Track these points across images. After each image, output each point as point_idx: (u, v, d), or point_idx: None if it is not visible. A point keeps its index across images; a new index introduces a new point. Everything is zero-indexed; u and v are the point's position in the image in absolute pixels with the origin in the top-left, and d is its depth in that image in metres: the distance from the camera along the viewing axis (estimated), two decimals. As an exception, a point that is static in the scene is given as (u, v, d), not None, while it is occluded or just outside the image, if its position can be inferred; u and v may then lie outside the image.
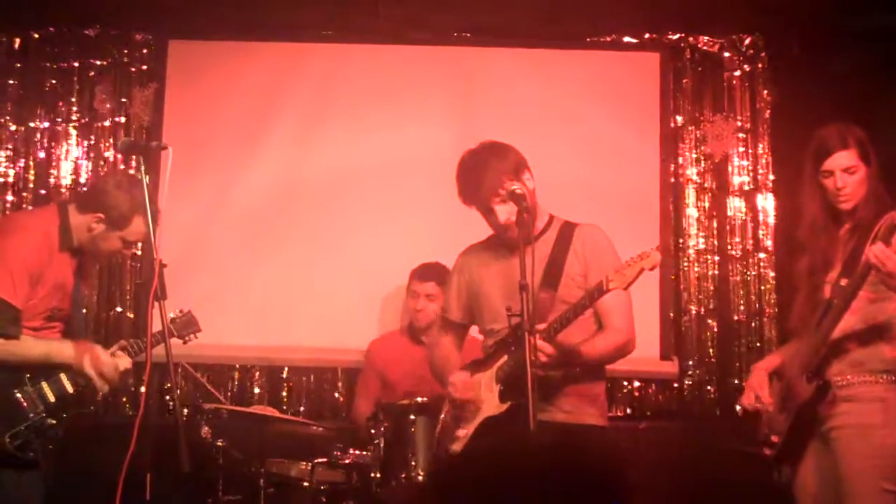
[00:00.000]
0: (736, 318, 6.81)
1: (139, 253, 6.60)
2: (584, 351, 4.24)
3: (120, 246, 4.79)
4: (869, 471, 4.09)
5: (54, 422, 4.62)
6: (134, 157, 6.06)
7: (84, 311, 5.08)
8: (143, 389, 4.22)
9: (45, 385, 4.62)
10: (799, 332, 4.43)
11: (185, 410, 6.25)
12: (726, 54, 7.01)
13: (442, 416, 4.64)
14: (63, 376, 4.66)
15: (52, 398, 4.63)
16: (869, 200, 4.19)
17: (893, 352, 4.18)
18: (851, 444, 4.12)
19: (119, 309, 6.78)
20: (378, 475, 5.07)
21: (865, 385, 4.15)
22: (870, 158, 4.22)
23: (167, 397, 6.26)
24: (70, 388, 4.67)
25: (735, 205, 6.90)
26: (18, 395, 4.57)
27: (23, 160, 6.86)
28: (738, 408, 4.55)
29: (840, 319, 4.11)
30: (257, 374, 6.79)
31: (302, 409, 6.70)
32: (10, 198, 6.82)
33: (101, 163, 6.87)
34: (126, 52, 6.96)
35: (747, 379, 4.55)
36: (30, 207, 6.73)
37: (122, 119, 6.92)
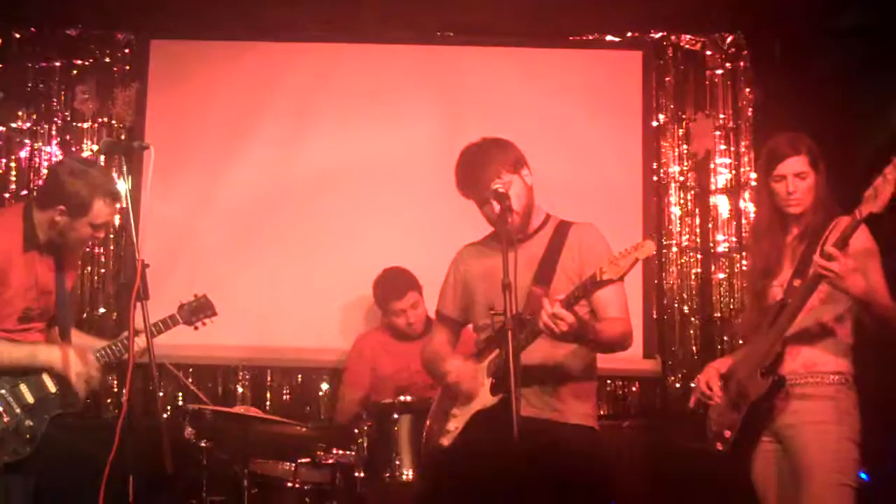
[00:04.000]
0: (718, 315, 6.84)
1: (122, 254, 6.63)
2: (598, 328, 4.23)
3: (90, 232, 4.69)
4: (825, 466, 4.19)
5: (32, 423, 4.59)
6: (116, 157, 6.02)
7: (69, 307, 5.03)
8: (125, 390, 4.19)
9: (23, 386, 4.60)
10: (747, 336, 4.60)
11: (169, 411, 6.30)
12: (708, 53, 7.04)
13: (432, 409, 4.64)
14: (45, 376, 4.65)
15: (30, 399, 4.60)
16: (818, 206, 4.34)
17: (844, 351, 4.31)
18: (807, 441, 4.23)
19: (103, 310, 6.78)
20: (362, 475, 5.08)
21: (817, 385, 4.27)
22: (819, 166, 4.37)
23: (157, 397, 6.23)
24: (52, 388, 4.65)
25: (717, 203, 6.92)
26: None
27: (4, 160, 6.84)
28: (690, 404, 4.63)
29: (795, 318, 4.23)
30: (241, 374, 6.80)
31: (286, 409, 6.68)
32: (-9, 197, 6.82)
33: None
34: (108, 51, 6.96)
35: (698, 376, 4.63)
36: (5, 208, 6.70)
37: (105, 119, 6.91)
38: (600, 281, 4.05)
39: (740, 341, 6.59)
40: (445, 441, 4.43)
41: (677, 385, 6.82)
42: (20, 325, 4.67)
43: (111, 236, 6.70)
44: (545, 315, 4.01)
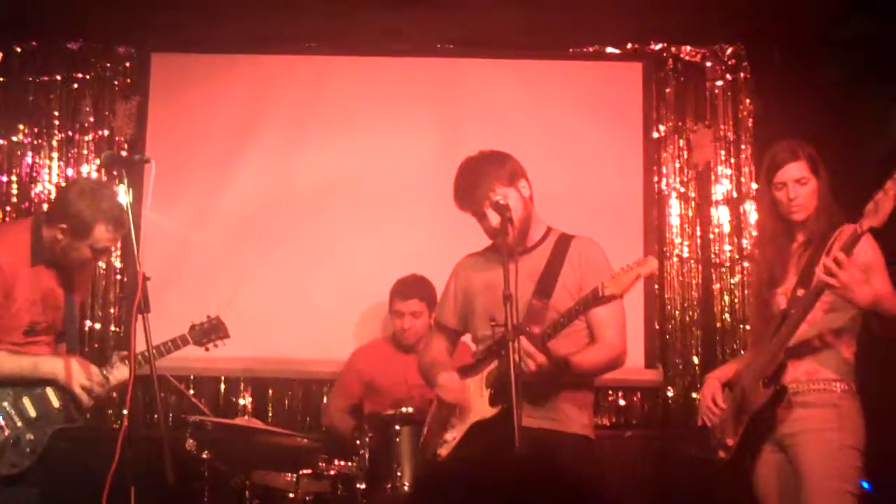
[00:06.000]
0: (720, 325, 6.83)
1: (120, 265, 6.66)
2: (574, 361, 4.24)
3: (89, 255, 4.66)
4: (829, 474, 4.18)
5: (33, 437, 4.58)
6: (117, 170, 6.01)
7: (77, 323, 5.03)
8: (126, 402, 4.18)
9: (26, 400, 4.59)
10: (751, 345, 4.59)
11: (170, 423, 6.29)
12: (709, 64, 7.05)
13: (428, 419, 4.64)
14: (49, 391, 4.64)
15: (33, 413, 4.59)
16: (821, 213, 4.33)
17: (846, 360, 4.31)
18: (810, 449, 4.22)
19: (98, 325, 6.78)
20: (363, 486, 5.08)
21: (820, 392, 4.26)
22: (820, 172, 4.36)
23: (155, 415, 6.22)
24: (56, 403, 4.64)
25: (718, 213, 6.92)
26: None
27: (5, 174, 6.84)
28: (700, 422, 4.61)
29: (797, 328, 4.22)
30: (242, 385, 6.80)
31: (287, 420, 6.68)
32: (-7, 211, 6.82)
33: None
34: (109, 65, 6.98)
35: (701, 389, 4.64)
36: (14, 220, 6.72)
37: (105, 132, 6.93)
38: (602, 296, 4.07)
39: (742, 351, 6.65)
40: (443, 451, 4.43)
41: (679, 395, 6.81)
42: (26, 338, 4.66)
43: (112, 249, 6.69)
44: (518, 349, 3.97)
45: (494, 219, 4.30)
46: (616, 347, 4.38)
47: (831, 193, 4.35)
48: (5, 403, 4.56)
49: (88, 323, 6.73)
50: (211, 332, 5.12)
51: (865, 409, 4.28)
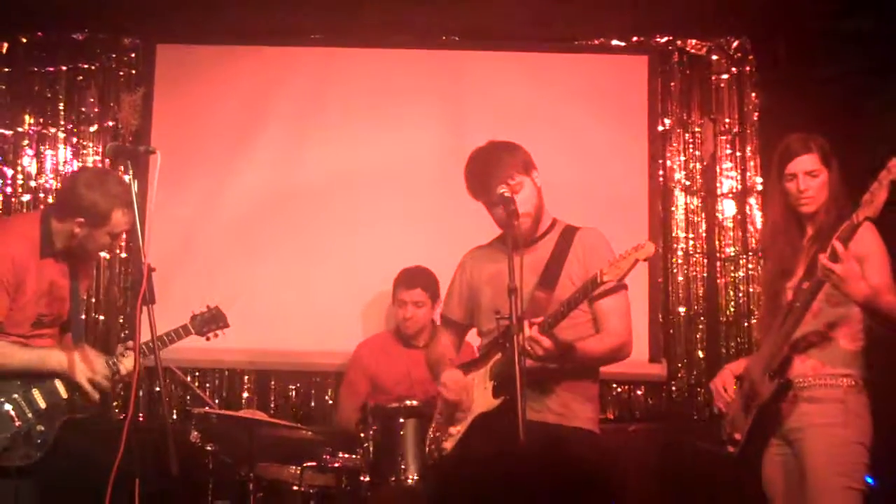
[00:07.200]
0: (724, 319, 6.82)
1: (125, 256, 6.66)
2: (579, 347, 4.24)
3: (109, 241, 4.79)
4: (833, 469, 4.17)
5: (43, 428, 4.61)
6: (122, 161, 6.01)
7: (82, 314, 5.06)
8: (132, 393, 4.19)
9: (36, 392, 4.62)
10: (762, 339, 4.57)
11: (175, 414, 6.30)
12: (714, 57, 7.03)
13: (436, 414, 4.65)
14: (57, 382, 4.67)
15: (42, 404, 4.62)
16: (831, 205, 4.31)
17: (853, 354, 4.29)
18: (815, 444, 4.22)
19: (102, 317, 6.78)
20: (368, 478, 5.07)
21: (826, 387, 4.25)
22: (831, 164, 4.35)
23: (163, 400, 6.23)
24: (64, 394, 4.67)
25: (723, 207, 6.91)
26: (6, 404, 4.56)
27: (10, 165, 6.84)
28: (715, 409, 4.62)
29: (801, 321, 4.22)
30: (246, 377, 6.80)
31: (291, 413, 6.69)
32: (-2, 201, 6.82)
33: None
34: (114, 56, 6.98)
35: (714, 379, 4.64)
36: (22, 211, 6.74)
37: (111, 123, 6.93)
38: (601, 283, 4.06)
39: (746, 346, 6.65)
40: (448, 445, 4.44)
41: (683, 389, 6.81)
42: (33, 330, 4.71)
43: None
44: (522, 338, 4.01)
45: (504, 211, 4.29)
46: (621, 336, 4.39)
47: (843, 187, 4.33)
48: (16, 395, 4.59)
49: (94, 314, 6.74)
50: (211, 321, 5.18)
51: (872, 404, 4.28)
